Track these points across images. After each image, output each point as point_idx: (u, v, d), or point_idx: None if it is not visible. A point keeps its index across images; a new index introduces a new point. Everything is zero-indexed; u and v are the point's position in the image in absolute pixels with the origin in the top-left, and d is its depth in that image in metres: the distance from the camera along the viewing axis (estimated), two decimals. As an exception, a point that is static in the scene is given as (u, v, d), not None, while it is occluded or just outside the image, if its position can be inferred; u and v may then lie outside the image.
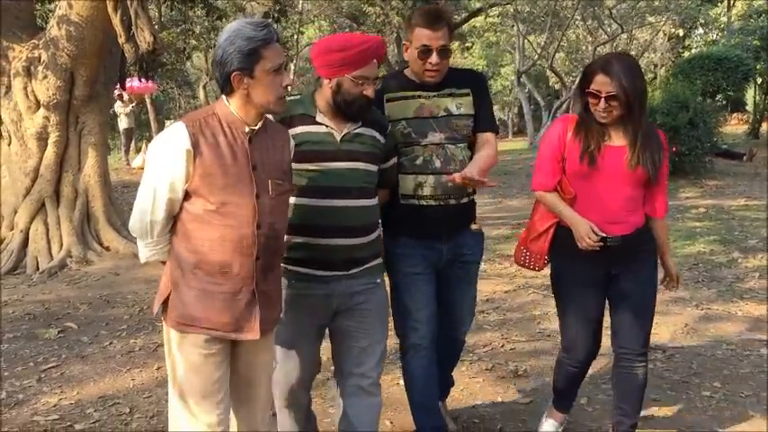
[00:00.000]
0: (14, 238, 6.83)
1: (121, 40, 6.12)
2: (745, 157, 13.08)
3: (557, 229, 2.70)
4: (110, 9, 6.02)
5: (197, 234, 2.04)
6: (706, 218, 8.31)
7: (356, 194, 2.38)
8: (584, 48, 23.23)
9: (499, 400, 3.50)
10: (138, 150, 16.03)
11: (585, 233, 2.52)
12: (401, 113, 2.61)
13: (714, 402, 3.40)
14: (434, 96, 2.65)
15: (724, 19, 22.86)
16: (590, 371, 2.99)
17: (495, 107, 32.86)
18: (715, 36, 23.90)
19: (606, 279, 2.68)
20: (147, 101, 20.54)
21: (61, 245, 6.80)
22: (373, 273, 2.50)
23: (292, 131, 2.34)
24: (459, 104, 2.67)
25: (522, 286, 5.59)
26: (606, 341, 2.83)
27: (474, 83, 2.75)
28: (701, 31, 24.28)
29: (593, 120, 2.57)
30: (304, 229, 2.36)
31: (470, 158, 2.66)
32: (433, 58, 2.54)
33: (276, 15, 9.95)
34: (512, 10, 18.77)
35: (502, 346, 4.26)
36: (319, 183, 2.34)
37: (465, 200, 2.72)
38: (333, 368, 2.62)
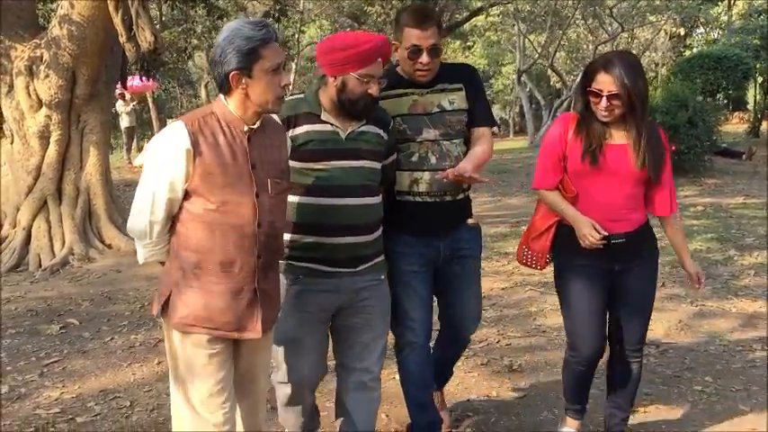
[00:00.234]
0: (17, 236, 6.91)
1: (123, 39, 6.18)
2: (744, 156, 13.09)
3: (559, 228, 2.69)
4: (111, 9, 6.08)
5: (198, 234, 2.04)
6: (704, 216, 8.35)
7: (362, 193, 2.39)
8: (584, 47, 23.25)
9: (494, 394, 3.55)
10: (140, 149, 16.07)
11: (588, 232, 2.53)
12: (395, 110, 2.61)
13: (705, 396, 3.45)
14: (427, 93, 2.65)
15: (725, 18, 22.86)
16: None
17: (497, 106, 32.89)
18: (716, 35, 23.91)
19: (609, 275, 2.67)
20: (149, 100, 20.61)
21: (63, 242, 6.87)
22: (378, 269, 2.52)
23: (298, 130, 2.35)
24: (452, 100, 2.67)
25: (519, 283, 5.63)
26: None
27: (466, 77, 2.74)
28: (702, 30, 24.30)
29: (594, 118, 2.56)
30: (310, 229, 2.37)
31: (466, 154, 2.67)
32: (424, 57, 2.54)
33: (276, 15, 9.98)
34: (512, 9, 18.79)
35: (497, 342, 4.32)
36: (325, 182, 2.34)
37: (461, 196, 2.72)
38: (332, 362, 2.64)
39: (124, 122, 15.25)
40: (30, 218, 6.94)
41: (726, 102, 19.12)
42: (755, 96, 18.48)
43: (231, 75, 1.99)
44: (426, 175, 2.62)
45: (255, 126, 2.10)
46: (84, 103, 7.06)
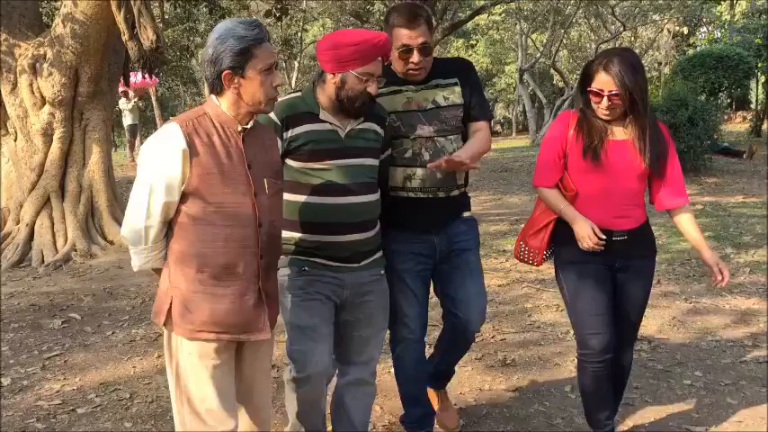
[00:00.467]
0: (20, 232, 6.98)
1: (125, 37, 6.26)
2: (744, 155, 13.11)
3: (559, 224, 2.68)
4: (113, 7, 6.16)
5: (199, 236, 1.99)
6: (702, 214, 8.38)
7: (363, 190, 2.40)
8: (587, 46, 23.28)
9: (486, 387, 3.61)
10: (143, 147, 16.10)
11: (587, 234, 2.53)
12: (389, 108, 2.60)
13: (694, 390, 3.50)
14: (422, 89, 2.64)
15: (727, 17, 22.84)
16: (572, 359, 3.05)
17: (499, 105, 32.95)
18: (718, 34, 23.89)
19: (611, 270, 2.67)
20: (153, 98, 20.68)
21: (66, 238, 6.95)
22: (378, 264, 2.54)
23: (298, 130, 2.34)
24: (447, 96, 2.66)
25: (516, 280, 5.69)
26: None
27: (461, 71, 2.72)
28: (705, 29, 24.28)
29: (594, 115, 2.57)
30: (314, 228, 2.38)
31: None
32: (414, 57, 2.54)
33: (278, 13, 10.00)
34: (515, 7, 18.83)
35: (492, 337, 4.37)
36: (326, 180, 2.35)
37: (455, 192, 2.72)
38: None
39: (127, 120, 15.33)
40: (33, 214, 7.02)
41: (729, 101, 19.09)
42: (757, 95, 18.47)
43: (224, 74, 1.97)
44: (419, 171, 2.63)
45: (249, 126, 2.08)
46: (86, 101, 7.13)
